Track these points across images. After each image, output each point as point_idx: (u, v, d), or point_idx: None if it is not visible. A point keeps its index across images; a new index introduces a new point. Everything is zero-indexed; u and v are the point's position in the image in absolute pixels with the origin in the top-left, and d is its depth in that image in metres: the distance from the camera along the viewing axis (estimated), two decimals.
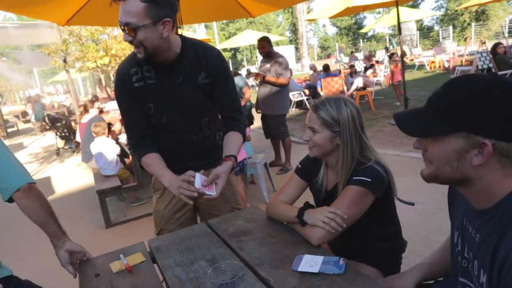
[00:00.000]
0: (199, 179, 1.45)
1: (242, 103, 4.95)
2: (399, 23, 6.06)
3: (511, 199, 0.80)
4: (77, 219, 4.25)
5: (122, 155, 4.57)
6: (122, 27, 1.42)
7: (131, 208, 4.36)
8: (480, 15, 28.51)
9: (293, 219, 1.42)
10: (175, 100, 1.62)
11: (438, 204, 3.06)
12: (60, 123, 8.04)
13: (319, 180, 1.56)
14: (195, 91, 1.64)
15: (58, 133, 8.15)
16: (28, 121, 14.15)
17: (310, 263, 1.21)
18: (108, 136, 4.38)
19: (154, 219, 1.86)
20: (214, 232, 1.56)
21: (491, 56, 7.62)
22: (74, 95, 7.62)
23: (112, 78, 7.85)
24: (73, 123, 8.19)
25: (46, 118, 8.62)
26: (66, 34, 7.29)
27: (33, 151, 9.53)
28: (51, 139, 9.71)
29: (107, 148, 4.21)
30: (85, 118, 5.49)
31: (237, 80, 4.98)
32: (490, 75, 0.85)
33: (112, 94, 8.69)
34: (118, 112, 4.91)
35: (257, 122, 5.09)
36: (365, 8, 6.95)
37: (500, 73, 7.28)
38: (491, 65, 7.62)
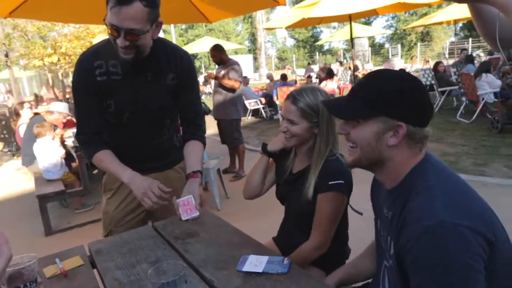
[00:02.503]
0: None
1: None
2: (352, 38, 6.35)
3: (411, 174, 0.94)
4: (13, 227, 3.93)
5: (69, 158, 4.33)
6: (119, 31, 1.34)
7: (75, 215, 4.12)
8: (425, 36, 30.66)
9: (262, 157, 1.62)
10: (140, 99, 1.57)
11: None
12: None
13: (287, 163, 1.59)
14: (163, 92, 1.60)
15: None
16: None
17: (255, 263, 1.21)
18: (53, 138, 4.13)
19: (102, 221, 1.78)
20: (159, 234, 1.52)
21: (433, 73, 8.19)
22: (17, 94, 7.11)
23: (61, 78, 7.44)
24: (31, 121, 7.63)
25: None
26: (9, 28, 6.81)
27: None
28: None
29: (51, 150, 3.97)
30: (21, 121, 5.15)
31: None
32: (401, 71, 1.02)
33: (60, 95, 8.24)
34: (64, 114, 4.68)
35: (214, 127, 5.07)
36: (321, 21, 7.21)
37: (440, 89, 7.84)
38: (433, 81, 8.18)
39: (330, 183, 1.39)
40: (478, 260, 0.79)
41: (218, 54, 4.71)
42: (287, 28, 6.06)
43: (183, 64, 1.62)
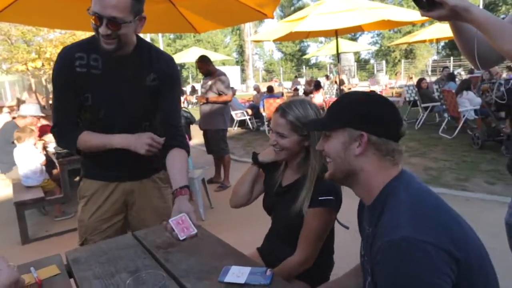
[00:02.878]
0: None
1: None
2: (338, 53, 6.46)
3: (385, 191, 0.97)
4: None
5: (49, 165, 4.22)
6: (102, 20, 1.34)
7: (54, 223, 4.01)
8: (409, 54, 31.46)
9: (251, 167, 1.62)
10: (118, 95, 1.55)
11: None
12: None
13: (277, 174, 1.58)
14: (142, 91, 1.58)
15: None
16: None
17: (237, 274, 1.19)
18: (35, 144, 4.04)
19: (78, 229, 1.72)
20: (140, 243, 1.48)
21: (416, 89, 8.38)
22: None
23: (45, 83, 7.30)
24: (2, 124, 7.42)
25: None
26: None
27: None
28: None
29: (31, 156, 3.87)
30: None
31: None
32: (365, 92, 1.10)
33: (43, 100, 8.05)
34: (36, 117, 4.55)
35: (200, 137, 5.05)
36: (308, 35, 7.32)
37: (423, 105, 8.02)
38: (416, 97, 8.37)
39: (320, 198, 1.37)
40: (441, 277, 0.79)
41: (204, 65, 4.73)
42: (274, 41, 6.13)
43: (166, 66, 1.61)
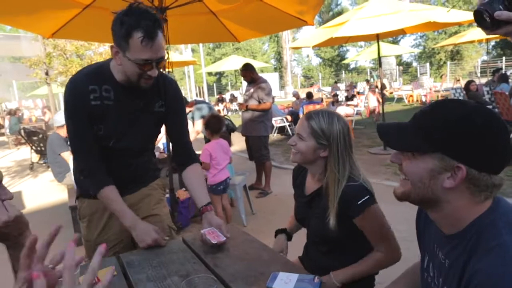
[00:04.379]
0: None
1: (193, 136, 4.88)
2: (379, 57, 6.32)
3: (476, 225, 0.82)
4: (46, 236, 4.06)
5: None
6: (153, 63, 1.39)
7: None
8: (455, 55, 30.03)
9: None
10: (129, 125, 1.58)
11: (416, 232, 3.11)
12: (36, 137, 7.83)
13: (300, 185, 1.61)
14: (151, 119, 1.64)
15: (33, 147, 7.92)
16: (3, 134, 13.71)
17: (285, 280, 1.20)
18: None
19: (85, 248, 1.75)
20: (189, 248, 1.54)
21: (464, 92, 7.98)
22: (54, 109, 7.47)
23: None
24: (49, 138, 7.96)
25: (22, 131, 8.39)
26: (50, 47, 7.22)
27: (5, 165, 9.20)
28: (26, 153, 9.41)
29: None
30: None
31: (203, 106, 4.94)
32: (475, 103, 0.87)
33: None
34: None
35: (241, 144, 5.12)
36: (348, 40, 7.23)
37: None
38: None
39: (359, 203, 1.37)
40: None
41: (248, 73, 4.80)
42: (314, 47, 6.11)
43: (172, 90, 1.66)
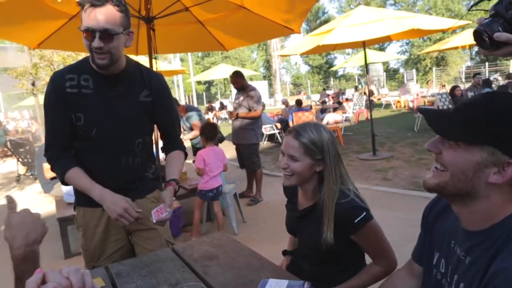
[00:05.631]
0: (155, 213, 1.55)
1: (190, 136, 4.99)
2: (366, 64, 6.42)
3: (507, 224, 0.80)
4: None
5: None
6: (94, 33, 1.40)
7: None
8: (440, 61, 30.65)
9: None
10: (110, 112, 1.57)
11: (405, 236, 3.14)
12: (23, 149, 7.72)
13: (292, 200, 1.60)
14: (134, 106, 1.62)
15: (20, 159, 7.79)
16: None
17: (275, 287, 1.20)
18: None
19: (83, 257, 1.74)
20: (178, 256, 1.53)
21: (450, 97, 8.14)
22: (41, 120, 7.37)
23: None
24: (37, 150, 7.86)
25: (8, 143, 8.26)
26: (37, 58, 7.15)
27: None
28: (12, 165, 9.25)
29: None
30: None
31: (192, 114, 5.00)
32: None
33: None
34: None
35: (230, 153, 5.13)
36: (335, 47, 7.33)
37: None
38: (450, 105, 8.12)
39: (356, 221, 1.33)
40: None
41: (239, 80, 4.82)
42: (301, 54, 6.18)
43: (157, 82, 1.68)
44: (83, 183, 1.55)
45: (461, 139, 0.82)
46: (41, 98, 8.82)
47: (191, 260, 1.47)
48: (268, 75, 33.74)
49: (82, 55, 7.69)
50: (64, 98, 1.52)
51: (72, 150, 1.61)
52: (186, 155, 1.82)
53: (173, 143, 1.79)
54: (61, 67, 7.77)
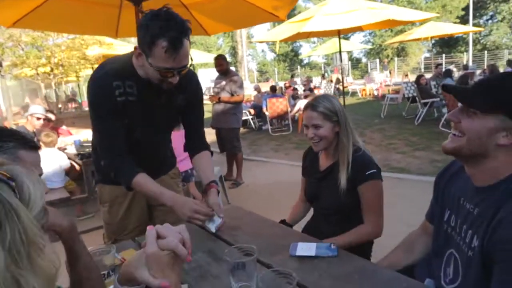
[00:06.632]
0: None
1: None
2: (340, 52, 6.64)
3: (510, 179, 0.97)
4: None
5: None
6: (173, 73, 1.39)
7: (78, 222, 4.11)
8: (401, 52, 31.88)
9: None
10: (153, 119, 1.61)
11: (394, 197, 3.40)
12: None
13: (312, 164, 1.77)
14: (173, 113, 1.68)
15: None
16: None
17: (305, 248, 1.33)
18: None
19: (105, 231, 1.81)
20: (204, 228, 1.60)
21: (415, 86, 8.60)
22: (8, 103, 6.98)
23: (54, 87, 7.36)
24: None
25: None
26: (4, 37, 6.73)
27: None
28: None
29: (58, 160, 3.96)
30: None
31: None
32: None
33: (50, 105, 8.05)
34: (46, 121, 4.55)
35: (208, 138, 5.16)
36: (309, 35, 7.50)
37: (422, 101, 8.24)
38: (415, 94, 8.59)
39: (367, 173, 1.56)
40: None
41: (225, 63, 4.83)
42: (281, 41, 6.29)
43: (193, 85, 1.68)
44: (152, 189, 1.55)
45: (479, 108, 0.98)
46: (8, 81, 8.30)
47: (217, 231, 1.57)
48: (234, 62, 33.53)
49: (53, 35, 7.28)
50: (115, 105, 1.50)
51: (128, 153, 1.58)
52: (212, 154, 1.82)
53: (199, 143, 1.78)
54: (30, 48, 7.42)
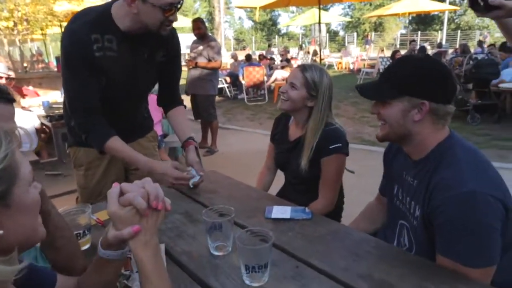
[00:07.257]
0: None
1: None
2: (320, 23, 6.59)
3: (438, 149, 1.09)
4: None
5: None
6: (176, 8, 1.36)
7: (50, 185, 3.99)
8: (378, 27, 31.99)
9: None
10: (132, 75, 1.53)
11: (352, 183, 3.51)
12: None
13: (282, 133, 1.77)
14: (153, 70, 1.62)
15: None
16: None
17: (281, 211, 1.37)
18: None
19: (79, 194, 1.77)
20: (179, 191, 1.61)
21: (390, 61, 8.73)
22: None
23: (19, 44, 6.88)
24: None
25: None
26: None
27: None
28: None
29: (26, 119, 3.79)
30: None
31: None
32: (424, 56, 1.17)
33: (9, 63, 7.56)
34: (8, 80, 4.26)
35: (186, 104, 5.08)
36: (289, 2, 7.36)
37: None
38: None
39: (330, 147, 1.57)
40: (498, 223, 0.97)
41: (203, 26, 4.69)
42: (262, 8, 6.14)
43: (175, 41, 1.63)
44: (126, 154, 1.50)
45: (388, 97, 1.11)
46: None
47: (193, 194, 1.58)
48: (211, 28, 32.58)
49: None
50: (92, 62, 1.41)
51: (101, 112, 1.51)
52: (185, 107, 1.81)
53: (175, 98, 1.76)
54: None
